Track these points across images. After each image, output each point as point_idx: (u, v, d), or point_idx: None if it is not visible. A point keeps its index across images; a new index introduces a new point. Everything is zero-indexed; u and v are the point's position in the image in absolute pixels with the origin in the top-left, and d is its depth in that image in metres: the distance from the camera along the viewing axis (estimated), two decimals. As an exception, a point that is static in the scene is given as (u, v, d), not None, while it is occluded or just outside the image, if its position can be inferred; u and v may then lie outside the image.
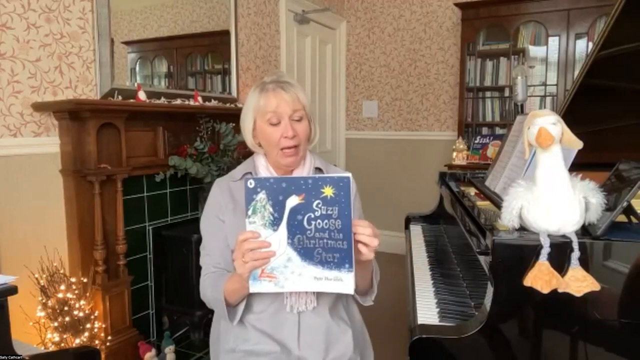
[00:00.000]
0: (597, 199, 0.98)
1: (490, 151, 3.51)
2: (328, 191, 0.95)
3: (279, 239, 0.98)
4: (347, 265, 0.98)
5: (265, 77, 1.25)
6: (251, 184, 0.96)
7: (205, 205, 1.29)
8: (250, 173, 1.26)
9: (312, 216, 0.96)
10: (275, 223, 0.97)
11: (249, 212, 0.97)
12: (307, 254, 0.98)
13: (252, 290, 1.02)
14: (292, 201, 0.96)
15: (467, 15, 3.68)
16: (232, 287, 1.13)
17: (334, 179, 0.95)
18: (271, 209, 0.97)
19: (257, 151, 1.28)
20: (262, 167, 1.26)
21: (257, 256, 0.97)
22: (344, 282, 0.98)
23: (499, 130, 3.78)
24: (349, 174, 0.96)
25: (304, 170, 1.26)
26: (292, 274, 1.00)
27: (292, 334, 1.19)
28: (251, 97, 1.23)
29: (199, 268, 1.26)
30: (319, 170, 1.30)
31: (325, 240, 0.97)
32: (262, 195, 0.96)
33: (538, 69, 3.64)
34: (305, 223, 0.97)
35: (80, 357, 1.60)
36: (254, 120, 1.22)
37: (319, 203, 0.96)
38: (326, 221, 0.97)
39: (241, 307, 1.18)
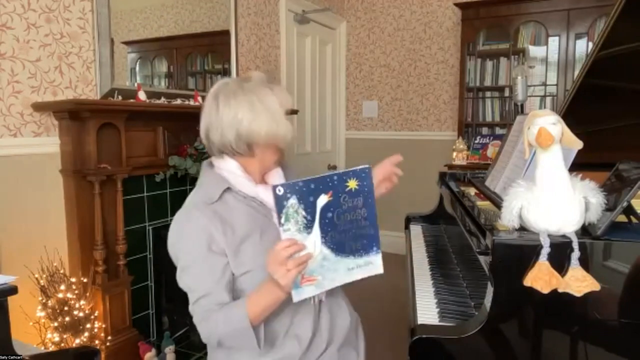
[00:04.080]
0: (597, 199, 0.98)
1: (490, 151, 3.51)
2: (352, 184, 1.00)
3: (313, 240, 0.99)
4: (375, 248, 1.04)
5: (254, 76, 1.15)
6: (280, 190, 0.94)
7: (187, 249, 1.11)
8: (229, 188, 1.13)
9: (340, 210, 1.00)
10: (308, 226, 0.98)
11: (282, 220, 0.96)
12: (339, 248, 1.01)
13: (296, 299, 1.01)
14: (322, 200, 0.98)
15: (467, 15, 3.68)
16: (261, 305, 1.02)
17: (357, 171, 1.00)
18: (304, 212, 0.97)
19: (244, 154, 1.13)
20: (238, 176, 1.14)
21: (299, 261, 0.95)
22: (374, 264, 1.05)
23: (499, 130, 3.78)
24: (368, 165, 1.02)
25: (278, 171, 1.23)
26: (329, 271, 1.02)
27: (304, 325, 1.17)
28: (269, 97, 1.10)
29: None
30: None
31: (353, 231, 1.02)
32: (292, 201, 0.96)
33: (538, 69, 3.64)
34: (335, 219, 1.00)
35: (80, 357, 1.59)
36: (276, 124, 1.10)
37: (345, 197, 1.00)
38: (353, 212, 1.01)
39: (262, 326, 1.07)
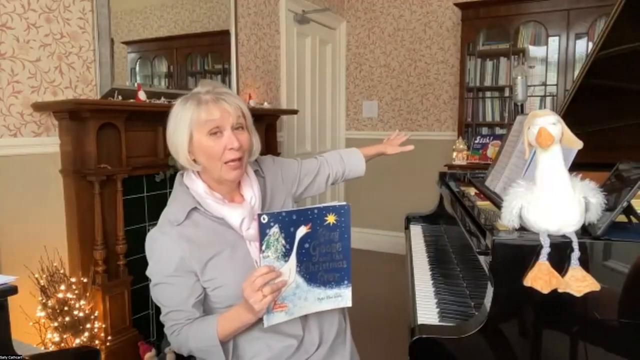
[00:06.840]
0: (597, 199, 0.98)
1: (490, 151, 3.51)
2: (331, 219, 1.05)
3: (289, 268, 1.03)
4: (345, 282, 1.10)
5: (197, 87, 1.16)
6: (264, 219, 0.99)
7: (155, 270, 1.16)
8: (196, 208, 1.16)
9: (317, 242, 1.05)
10: (286, 254, 1.03)
11: (263, 247, 1.01)
12: (312, 278, 1.06)
13: (267, 324, 1.06)
14: (301, 231, 1.03)
15: (467, 15, 3.68)
16: (232, 327, 1.09)
17: (336, 207, 1.06)
18: (284, 241, 1.02)
19: (192, 168, 1.17)
20: (206, 195, 1.15)
21: (274, 287, 1.00)
22: (343, 297, 1.10)
23: (499, 130, 3.78)
24: (348, 203, 1.07)
25: (252, 184, 1.22)
26: (300, 300, 1.07)
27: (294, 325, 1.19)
28: (184, 111, 1.12)
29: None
30: (257, 173, 1.27)
31: (327, 263, 1.07)
32: (275, 229, 1.00)
33: (538, 69, 3.64)
34: (311, 250, 1.04)
35: (80, 357, 1.59)
36: (190, 134, 1.12)
37: (323, 230, 1.05)
38: (328, 246, 1.06)
39: (231, 341, 1.14)
